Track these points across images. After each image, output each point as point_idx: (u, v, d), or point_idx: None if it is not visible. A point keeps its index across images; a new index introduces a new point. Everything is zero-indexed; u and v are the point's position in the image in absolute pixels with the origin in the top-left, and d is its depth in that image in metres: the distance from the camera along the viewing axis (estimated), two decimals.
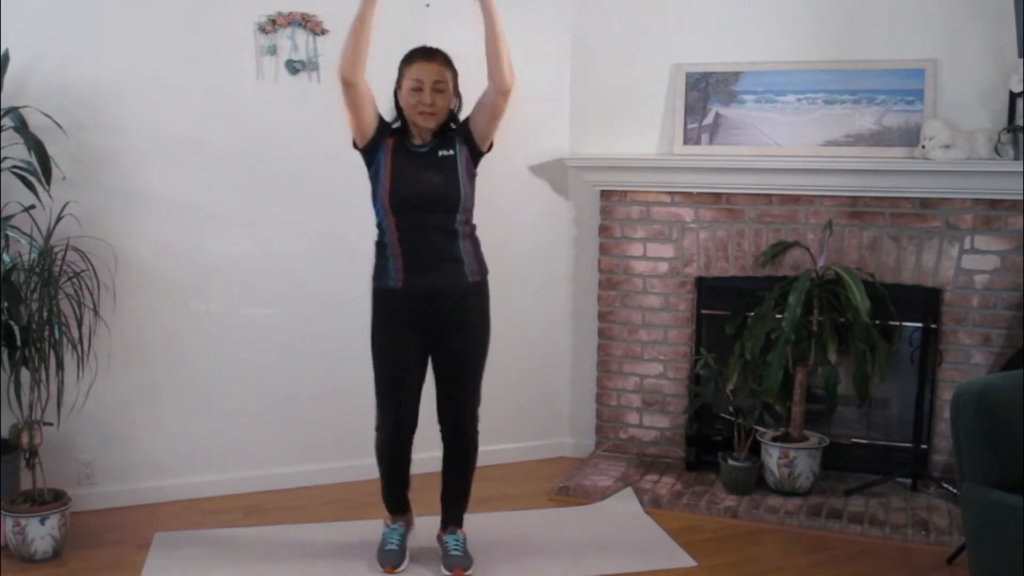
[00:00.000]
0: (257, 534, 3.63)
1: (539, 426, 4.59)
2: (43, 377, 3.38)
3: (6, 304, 3.30)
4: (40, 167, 3.40)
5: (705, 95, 4.23)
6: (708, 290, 4.32)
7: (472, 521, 3.44)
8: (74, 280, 3.51)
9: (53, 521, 3.35)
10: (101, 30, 3.66)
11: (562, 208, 4.51)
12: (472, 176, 3.12)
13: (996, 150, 3.78)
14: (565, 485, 4.10)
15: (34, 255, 3.40)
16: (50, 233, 3.44)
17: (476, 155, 3.12)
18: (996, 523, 2.50)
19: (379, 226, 3.12)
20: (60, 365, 3.42)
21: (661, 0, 4.27)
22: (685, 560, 3.42)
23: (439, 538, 3.38)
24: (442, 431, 3.27)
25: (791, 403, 4.00)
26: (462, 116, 3.14)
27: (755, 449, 4.03)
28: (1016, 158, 3.76)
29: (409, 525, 3.41)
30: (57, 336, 3.39)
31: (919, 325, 4.09)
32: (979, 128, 3.82)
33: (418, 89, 3.00)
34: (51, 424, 3.43)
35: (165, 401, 3.90)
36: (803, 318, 3.84)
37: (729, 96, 4.20)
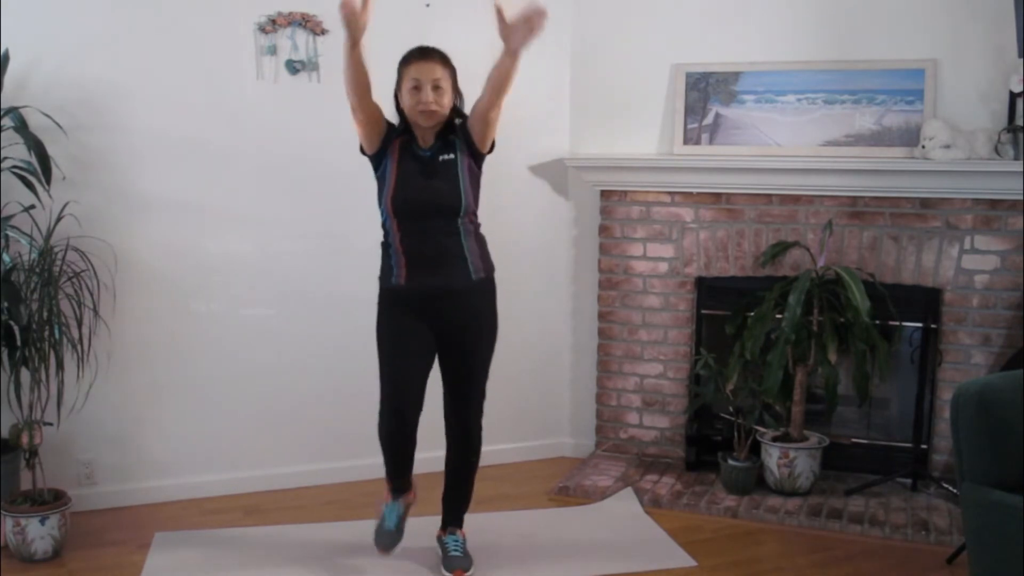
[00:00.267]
0: (257, 534, 3.63)
1: (539, 426, 4.58)
2: (43, 377, 3.38)
3: (6, 304, 3.30)
4: (40, 167, 3.41)
5: (705, 95, 4.23)
6: (708, 290, 4.32)
7: (472, 521, 3.44)
8: (74, 280, 3.51)
9: (53, 521, 3.35)
10: (101, 30, 3.65)
11: (562, 208, 4.50)
12: (475, 178, 3.11)
13: (996, 150, 3.78)
14: (565, 485, 4.10)
15: (34, 255, 3.40)
16: (50, 233, 3.44)
17: (478, 157, 3.11)
18: (996, 523, 2.50)
19: (384, 227, 3.13)
20: (60, 365, 3.42)
21: (661, 0, 4.27)
22: (685, 560, 3.42)
23: (439, 538, 3.38)
24: (447, 428, 3.27)
25: (791, 403, 4.00)
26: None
27: (755, 449, 4.03)
28: (1016, 158, 3.76)
29: (408, 504, 3.33)
30: (57, 336, 3.39)
31: (919, 325, 4.09)
32: (979, 128, 3.82)
33: (417, 88, 2.99)
34: (51, 424, 3.43)
35: (165, 401, 3.90)
36: (803, 318, 3.84)
37: (729, 96, 4.20)
